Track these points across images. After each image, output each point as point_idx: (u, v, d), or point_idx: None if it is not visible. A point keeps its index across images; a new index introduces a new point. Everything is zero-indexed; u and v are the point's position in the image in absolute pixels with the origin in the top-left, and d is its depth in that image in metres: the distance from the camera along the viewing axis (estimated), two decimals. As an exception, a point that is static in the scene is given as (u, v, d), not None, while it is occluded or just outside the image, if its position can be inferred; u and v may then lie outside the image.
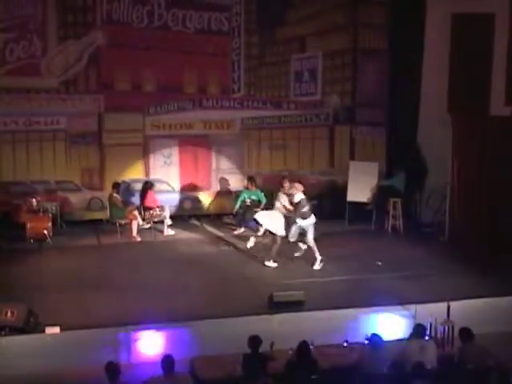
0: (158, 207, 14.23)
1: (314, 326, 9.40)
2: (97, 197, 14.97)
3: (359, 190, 14.86)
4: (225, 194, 15.66)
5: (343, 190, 15.21)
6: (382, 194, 14.92)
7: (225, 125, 15.60)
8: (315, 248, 12.14)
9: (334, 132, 16.15)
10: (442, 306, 9.52)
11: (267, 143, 15.86)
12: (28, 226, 13.16)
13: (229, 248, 13.44)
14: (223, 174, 15.71)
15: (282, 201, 12.47)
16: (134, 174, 15.12)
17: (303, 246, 12.51)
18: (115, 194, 14.05)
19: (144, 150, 15.21)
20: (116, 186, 14.18)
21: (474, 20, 14.41)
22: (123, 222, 13.96)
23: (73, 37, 14.48)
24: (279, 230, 12.24)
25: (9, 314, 9.08)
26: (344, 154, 16.13)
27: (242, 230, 14.41)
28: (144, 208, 14.16)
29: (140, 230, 14.00)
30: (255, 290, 10.71)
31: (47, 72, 14.45)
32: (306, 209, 12.14)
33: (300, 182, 12.64)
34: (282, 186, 12.76)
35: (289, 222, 12.32)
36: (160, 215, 14.21)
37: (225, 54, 15.44)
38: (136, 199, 14.67)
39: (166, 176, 15.37)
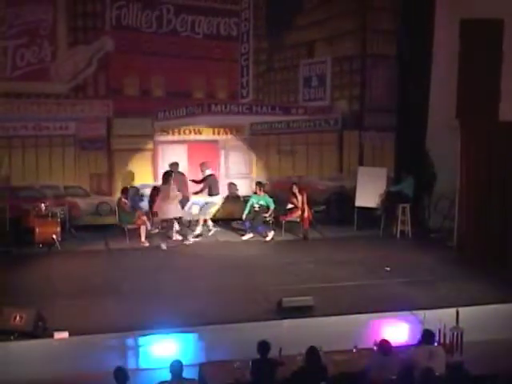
0: (166, 212, 14.23)
1: (322, 331, 9.37)
2: (105, 202, 15.00)
3: (368, 196, 14.84)
4: (233, 199, 15.66)
5: (352, 195, 15.21)
6: (390, 199, 14.88)
7: (233, 130, 15.62)
8: None
9: (342, 137, 16.15)
10: (451, 311, 9.49)
11: (276, 148, 15.87)
12: (37, 230, 13.21)
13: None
14: (232, 179, 15.72)
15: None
16: (143, 179, 15.14)
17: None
18: (123, 199, 14.07)
19: (153, 155, 15.24)
20: (124, 190, 14.20)
21: (483, 25, 14.34)
22: (131, 227, 13.98)
23: (82, 42, 14.55)
24: None
25: (17, 318, 9.08)
26: (353, 160, 16.12)
27: (251, 235, 14.42)
28: (152, 213, 14.19)
29: (148, 235, 14.02)
30: (264, 296, 10.68)
31: (57, 77, 14.51)
32: None
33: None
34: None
35: None
36: (168, 220, 14.22)
37: (233, 60, 15.47)
38: (145, 204, 14.70)
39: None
